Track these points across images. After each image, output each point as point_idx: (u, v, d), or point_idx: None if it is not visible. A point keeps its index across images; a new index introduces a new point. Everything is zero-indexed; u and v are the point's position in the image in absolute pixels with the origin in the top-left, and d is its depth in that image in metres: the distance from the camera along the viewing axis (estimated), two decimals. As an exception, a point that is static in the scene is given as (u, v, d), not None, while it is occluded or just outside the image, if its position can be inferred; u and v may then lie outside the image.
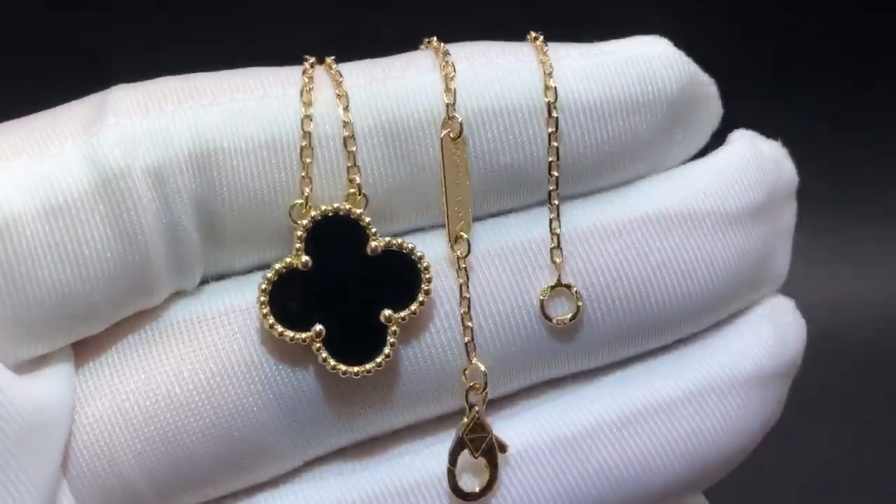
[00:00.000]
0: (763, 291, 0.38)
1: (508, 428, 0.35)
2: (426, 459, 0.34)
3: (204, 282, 0.34)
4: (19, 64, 0.72)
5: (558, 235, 0.34)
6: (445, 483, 0.34)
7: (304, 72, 0.33)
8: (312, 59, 0.34)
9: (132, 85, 0.33)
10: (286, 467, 0.34)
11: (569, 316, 0.34)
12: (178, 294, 0.34)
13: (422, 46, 0.35)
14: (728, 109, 0.38)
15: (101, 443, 0.32)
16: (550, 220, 0.34)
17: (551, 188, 0.34)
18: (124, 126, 0.31)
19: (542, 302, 0.34)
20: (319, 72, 0.34)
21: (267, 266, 0.33)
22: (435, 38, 0.35)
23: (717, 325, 0.37)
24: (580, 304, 0.34)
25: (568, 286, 0.34)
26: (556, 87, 0.34)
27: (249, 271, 0.34)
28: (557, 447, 0.34)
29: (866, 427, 0.72)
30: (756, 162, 0.37)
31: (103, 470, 0.32)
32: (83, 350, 0.33)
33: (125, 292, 0.32)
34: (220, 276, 0.34)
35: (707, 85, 0.37)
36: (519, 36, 0.36)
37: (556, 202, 0.34)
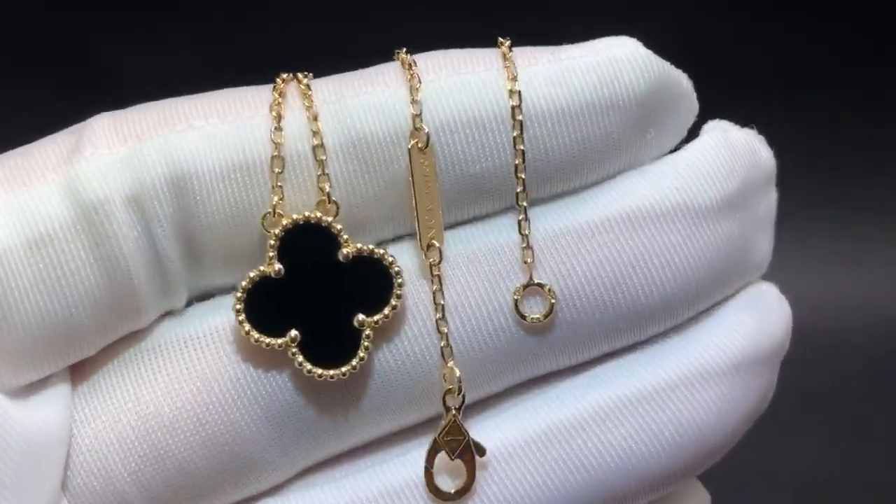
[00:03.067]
0: (744, 281, 0.38)
1: (489, 428, 0.35)
2: (413, 461, 0.35)
3: (190, 302, 0.35)
4: (25, 65, 0.73)
5: (527, 236, 0.35)
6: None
7: (275, 87, 0.34)
8: (286, 76, 0.35)
9: (112, 113, 0.34)
10: (278, 478, 0.35)
11: (543, 314, 0.35)
12: (166, 315, 0.35)
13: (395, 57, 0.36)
14: (728, 110, 0.39)
15: (98, 463, 0.33)
16: (519, 222, 0.35)
17: (518, 190, 0.35)
18: (101, 156, 0.32)
19: (515, 301, 0.35)
20: (291, 88, 0.35)
21: None
22: (404, 49, 0.35)
23: (699, 316, 0.37)
24: (553, 301, 0.35)
25: (540, 285, 0.35)
26: (519, 91, 0.34)
27: (233, 289, 0.35)
28: (539, 442, 0.35)
29: (865, 427, 0.72)
30: (728, 152, 0.37)
31: (100, 488, 0.33)
32: (77, 372, 0.34)
33: (112, 317, 0.33)
34: (206, 295, 0.35)
35: (679, 82, 0.37)
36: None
37: (525, 204, 0.35)
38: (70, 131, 0.34)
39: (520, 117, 0.35)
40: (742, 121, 0.39)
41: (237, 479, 0.34)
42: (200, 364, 0.34)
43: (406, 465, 0.35)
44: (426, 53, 0.36)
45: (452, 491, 0.34)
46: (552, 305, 0.35)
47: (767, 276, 0.39)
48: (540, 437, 0.35)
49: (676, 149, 0.38)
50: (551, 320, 0.35)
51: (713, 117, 0.39)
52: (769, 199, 0.39)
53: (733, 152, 0.37)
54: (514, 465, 0.35)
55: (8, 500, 0.30)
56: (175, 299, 0.34)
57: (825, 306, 0.76)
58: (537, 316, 0.35)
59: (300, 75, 0.35)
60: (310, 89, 0.34)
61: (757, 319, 0.37)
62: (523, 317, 0.35)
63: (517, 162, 0.35)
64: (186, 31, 0.72)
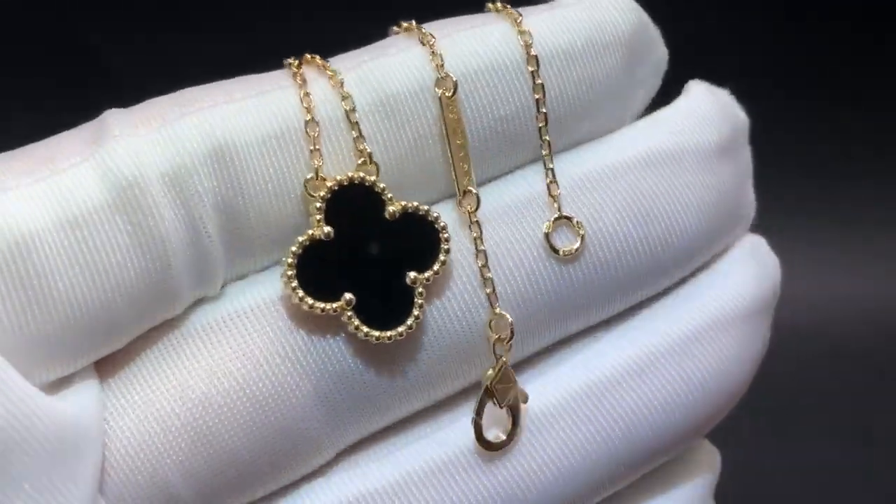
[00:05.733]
0: (740, 229, 0.40)
1: (529, 389, 0.35)
2: (461, 430, 0.35)
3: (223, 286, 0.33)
4: (26, 65, 0.67)
5: (552, 169, 0.35)
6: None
7: (290, 65, 0.34)
8: (295, 60, 0.34)
9: (123, 110, 0.32)
10: (327, 456, 0.34)
11: (575, 246, 0.35)
12: (199, 300, 0.33)
13: (393, 29, 0.36)
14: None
15: (140, 454, 0.31)
16: (544, 158, 0.35)
17: (540, 125, 0.35)
18: (132, 136, 0.30)
19: (546, 235, 0.35)
20: (307, 66, 0.34)
21: None
22: (405, 23, 0.35)
23: (707, 265, 0.39)
24: (583, 233, 0.35)
25: (568, 217, 0.35)
26: (529, 31, 0.35)
27: (266, 268, 0.34)
28: (580, 400, 0.35)
29: (866, 427, 0.72)
30: (717, 103, 0.39)
31: (144, 481, 0.31)
32: (110, 365, 0.32)
33: (149, 304, 0.31)
34: (239, 278, 0.34)
35: (651, 26, 0.39)
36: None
37: (547, 137, 0.35)
38: (82, 127, 0.32)
39: (534, 52, 0.35)
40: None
41: (287, 458, 0.33)
42: (245, 341, 0.32)
43: (457, 431, 0.35)
44: (427, 23, 0.36)
45: (502, 439, 0.34)
46: (582, 237, 0.35)
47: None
48: (580, 395, 0.36)
49: (661, 102, 0.40)
50: (581, 251, 0.35)
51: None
52: (747, 154, 0.41)
53: (720, 104, 0.40)
54: (557, 424, 0.35)
55: (47, 496, 0.28)
56: (211, 285, 0.32)
57: (826, 306, 0.77)
58: (569, 249, 0.35)
59: (307, 56, 0.34)
60: (327, 61, 0.34)
61: (759, 269, 0.40)
62: (555, 250, 0.35)
63: (538, 96, 0.35)
64: (187, 32, 0.67)
